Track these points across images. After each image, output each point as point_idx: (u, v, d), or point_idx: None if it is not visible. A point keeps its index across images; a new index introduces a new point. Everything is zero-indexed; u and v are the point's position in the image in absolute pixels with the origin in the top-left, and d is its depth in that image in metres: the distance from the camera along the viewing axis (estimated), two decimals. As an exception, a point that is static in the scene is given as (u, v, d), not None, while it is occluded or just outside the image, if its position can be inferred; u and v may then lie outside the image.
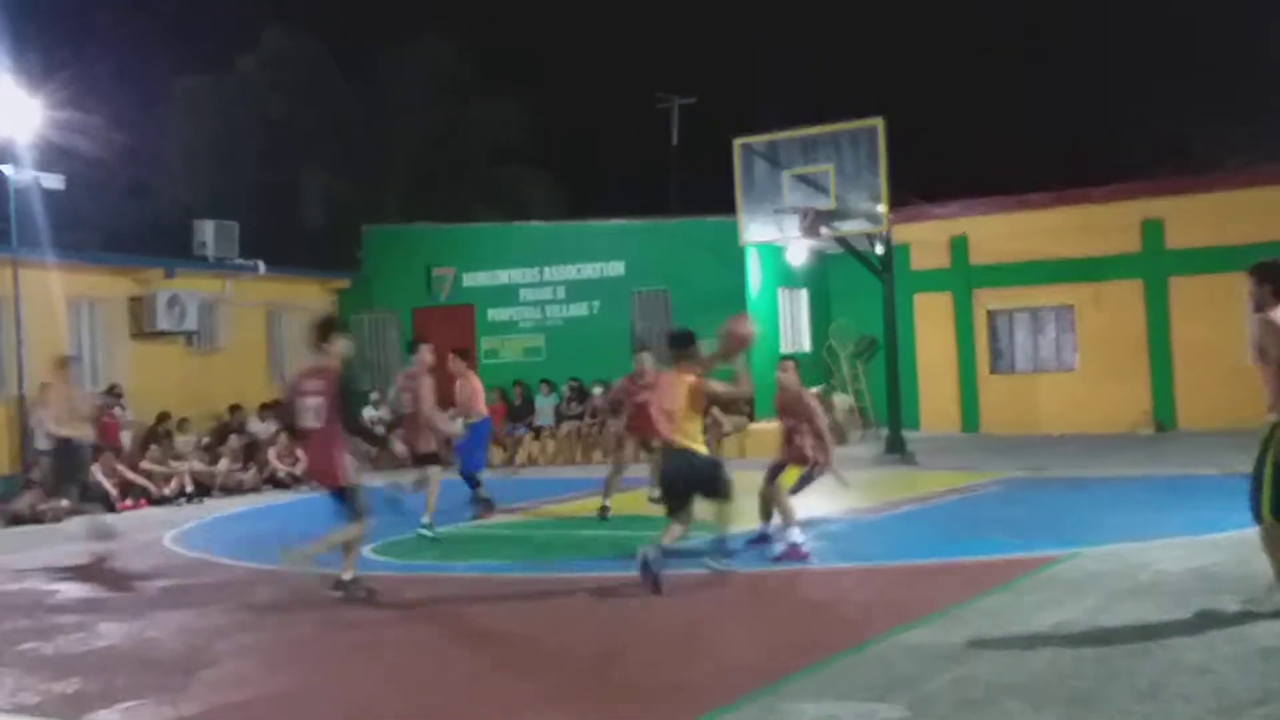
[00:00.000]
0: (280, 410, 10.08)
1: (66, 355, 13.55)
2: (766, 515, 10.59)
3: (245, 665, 7.57)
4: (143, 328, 18.99)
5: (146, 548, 12.86)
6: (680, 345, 9.34)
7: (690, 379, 9.09)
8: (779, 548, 10.12)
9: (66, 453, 12.37)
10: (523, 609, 8.92)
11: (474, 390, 13.11)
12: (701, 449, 9.18)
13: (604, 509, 12.71)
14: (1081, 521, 11.12)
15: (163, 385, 18.98)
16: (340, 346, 9.21)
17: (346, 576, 9.20)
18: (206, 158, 28.71)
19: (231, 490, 17.76)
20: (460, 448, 13.28)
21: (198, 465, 17.63)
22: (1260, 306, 7.29)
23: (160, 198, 28.05)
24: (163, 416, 18.29)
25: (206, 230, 20.67)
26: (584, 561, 10.55)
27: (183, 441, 18.20)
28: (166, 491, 17.01)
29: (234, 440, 18.70)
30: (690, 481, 9.06)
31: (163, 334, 19.14)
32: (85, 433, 12.50)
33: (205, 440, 18.59)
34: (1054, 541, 9.95)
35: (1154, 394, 19.67)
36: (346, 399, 9.14)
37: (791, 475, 10.61)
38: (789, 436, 10.54)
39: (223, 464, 17.96)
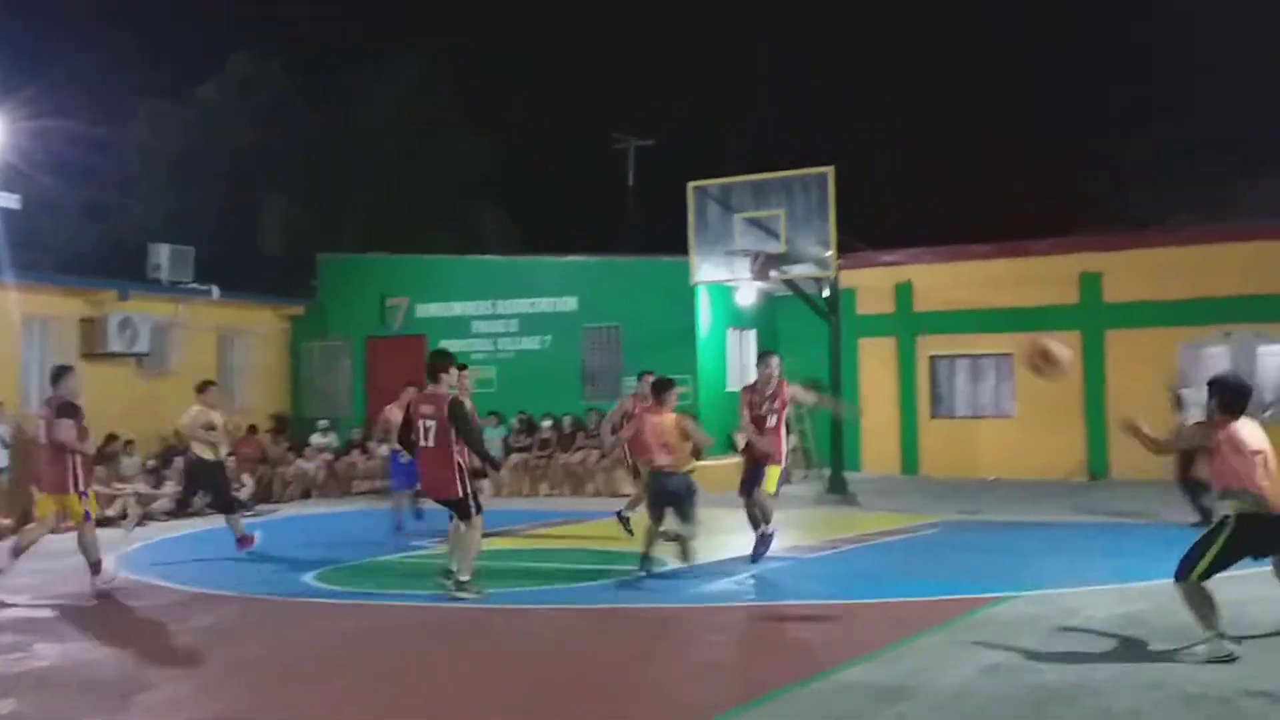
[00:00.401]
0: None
1: (206, 380, 14.47)
2: (763, 522, 11.57)
3: (184, 690, 7.62)
4: (94, 349, 18.88)
5: (88, 569, 12.81)
6: (662, 389, 11.37)
7: (673, 416, 11.22)
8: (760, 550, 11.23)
9: (204, 469, 13.50)
10: (463, 640, 9.02)
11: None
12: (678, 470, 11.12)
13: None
14: (1016, 565, 11.41)
15: (112, 406, 18.81)
16: (451, 377, 10.40)
17: (464, 577, 10.23)
18: (166, 181, 28.62)
19: (175, 514, 17.66)
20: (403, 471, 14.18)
21: (143, 488, 17.55)
22: (1209, 414, 7.98)
23: (117, 220, 27.90)
24: (110, 438, 18.18)
25: (162, 254, 20.60)
26: (528, 592, 10.68)
27: (128, 463, 18.10)
28: (110, 513, 16.91)
29: (180, 463, 18.60)
30: (671, 497, 11.02)
31: (114, 355, 19.05)
32: (221, 453, 13.72)
33: (151, 463, 18.50)
34: (989, 584, 10.20)
35: (1088, 443, 20.13)
36: (463, 421, 10.14)
37: (773, 479, 11.44)
38: (761, 429, 11.43)
39: (168, 486, 17.87)
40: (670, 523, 11.13)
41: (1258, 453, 7.70)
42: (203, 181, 28.60)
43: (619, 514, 13.25)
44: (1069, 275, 20.55)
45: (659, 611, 9.84)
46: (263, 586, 11.23)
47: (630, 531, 12.77)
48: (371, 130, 30.66)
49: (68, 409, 11.04)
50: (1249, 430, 7.78)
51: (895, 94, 38.87)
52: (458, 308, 22.39)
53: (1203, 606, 7.67)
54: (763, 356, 12.20)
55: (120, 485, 17.37)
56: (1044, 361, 9.09)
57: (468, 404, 12.63)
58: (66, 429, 10.90)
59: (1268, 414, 19.53)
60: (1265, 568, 8.22)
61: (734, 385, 21.99)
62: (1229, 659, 7.40)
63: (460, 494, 10.09)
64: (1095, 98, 37.93)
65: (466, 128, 31.43)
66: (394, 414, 14.17)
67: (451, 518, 10.50)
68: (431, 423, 10.08)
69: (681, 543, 11.20)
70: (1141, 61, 36.83)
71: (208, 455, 13.54)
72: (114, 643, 8.97)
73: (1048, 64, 39.28)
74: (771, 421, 11.61)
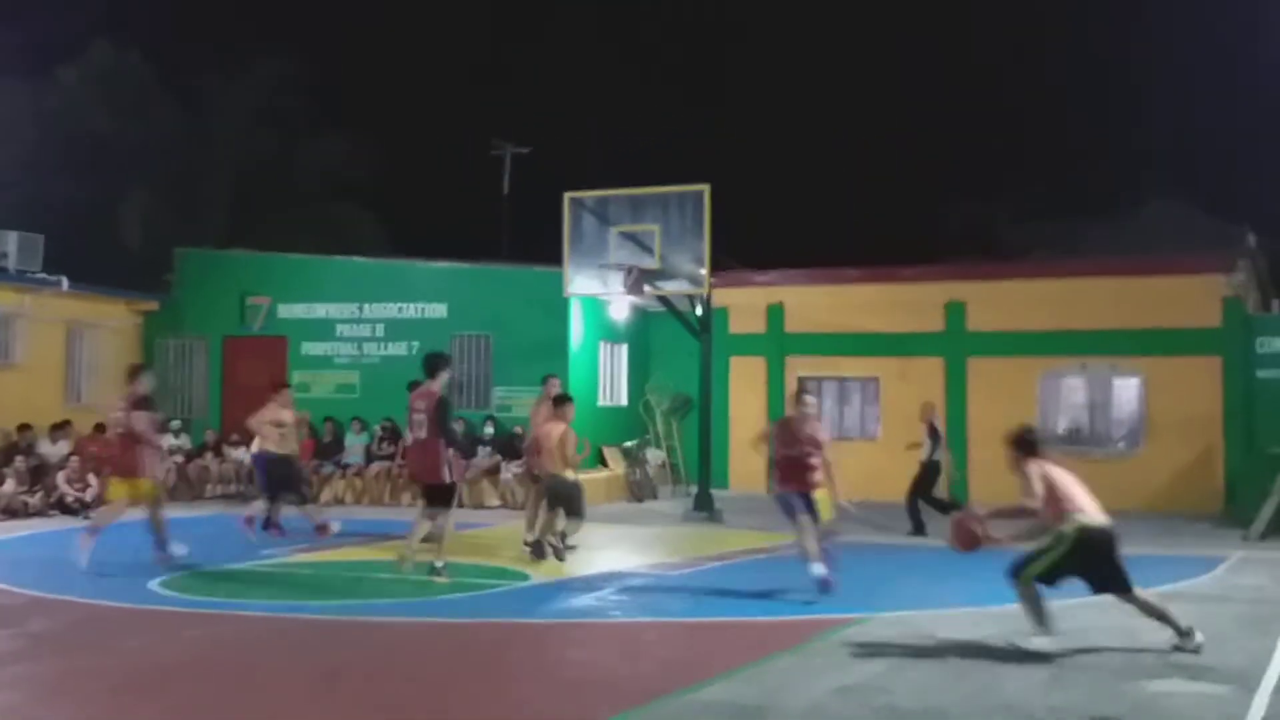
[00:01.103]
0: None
1: (281, 382, 15.92)
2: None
3: (16, 696, 7.28)
4: (-69, 337, 17.98)
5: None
6: (561, 403, 13.07)
7: (564, 427, 12.73)
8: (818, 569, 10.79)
9: (282, 465, 14.39)
10: (314, 652, 8.73)
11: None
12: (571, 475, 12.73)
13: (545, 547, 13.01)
14: (873, 588, 11.55)
15: (-52, 399, 17.97)
16: (444, 377, 11.68)
17: (439, 564, 11.42)
18: (18, 167, 27.39)
19: (15, 513, 16.87)
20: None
21: (-20, 483, 16.71)
22: (1012, 466, 8.90)
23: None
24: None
25: (9, 241, 19.69)
26: (383, 604, 10.43)
27: (-36, 459, 17.22)
28: (-58, 511, 16.07)
29: (20, 461, 17.78)
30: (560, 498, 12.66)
31: (-48, 345, 18.15)
32: (293, 448, 14.84)
33: (-11, 457, 17.63)
34: (846, 605, 10.28)
35: (949, 468, 20.52)
36: (446, 417, 11.55)
37: (825, 505, 11.19)
38: (802, 465, 11.14)
39: (8, 485, 17.06)
40: (561, 520, 12.77)
41: (1068, 477, 8.78)
42: (58, 169, 27.46)
43: (533, 543, 13.00)
44: (935, 303, 20.99)
45: (520, 626, 9.69)
46: (105, 592, 10.76)
47: (561, 558, 12.82)
48: (235, 127, 29.86)
49: (143, 402, 12.29)
50: (1052, 465, 8.83)
51: (773, 116, 39.46)
52: (322, 309, 21.84)
53: (1034, 604, 8.60)
54: (801, 394, 12.11)
55: (-46, 482, 16.50)
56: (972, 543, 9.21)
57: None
58: (143, 420, 12.17)
59: (1121, 444, 20.23)
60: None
61: (605, 399, 21.96)
62: (1048, 654, 8.24)
63: (446, 480, 11.48)
64: (967, 131, 39.01)
65: (336, 129, 30.87)
66: (263, 420, 14.60)
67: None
68: (422, 416, 11.45)
69: (563, 540, 12.83)
70: (1014, 98, 38.06)
71: (280, 450, 14.43)
72: (-64, 648, 8.45)
73: (924, 99, 40.34)
74: (814, 460, 11.23)
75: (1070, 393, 20.57)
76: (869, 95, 39.95)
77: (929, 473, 16.44)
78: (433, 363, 11.84)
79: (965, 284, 21.08)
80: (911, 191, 37.23)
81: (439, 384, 11.58)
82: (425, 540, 11.68)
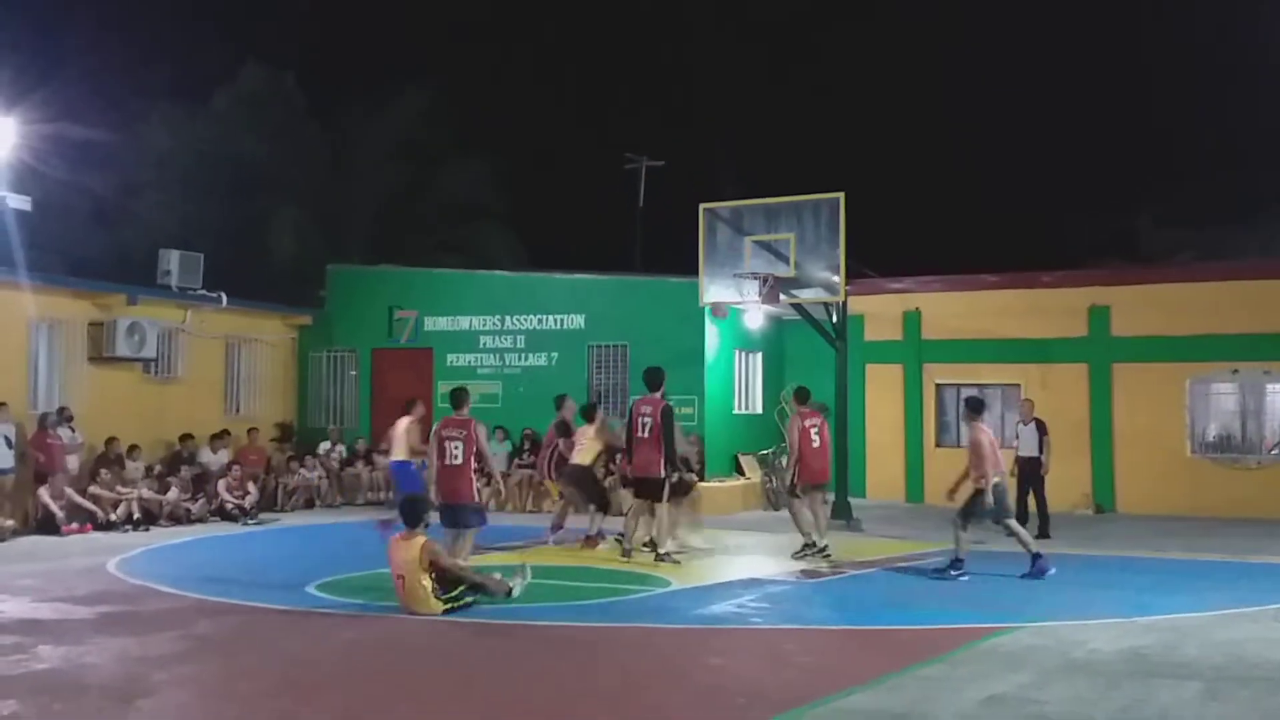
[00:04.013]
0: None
1: (413, 399, 16.20)
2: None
3: (184, 696, 7.61)
4: (101, 352, 18.90)
5: (90, 573, 12.82)
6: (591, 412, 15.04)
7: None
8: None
9: (404, 475, 15.25)
10: (466, 654, 8.99)
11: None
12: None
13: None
14: (1019, 596, 11.38)
15: (118, 411, 18.88)
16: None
17: (672, 547, 13.33)
18: (176, 187, 28.68)
19: (179, 519, 17.68)
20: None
21: (146, 492, 17.53)
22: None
23: (128, 225, 27.94)
24: (110, 441, 18.20)
25: (171, 259, 20.63)
26: (527, 609, 10.61)
27: (133, 468, 18.10)
28: (113, 517, 16.92)
29: (184, 470, 18.64)
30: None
31: (121, 360, 19.06)
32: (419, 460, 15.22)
33: (157, 468, 18.50)
34: (992, 614, 10.19)
35: (1094, 476, 20.10)
36: (670, 423, 13.32)
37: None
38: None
39: (172, 493, 17.88)
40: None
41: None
42: (212, 188, 28.64)
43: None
44: (1078, 308, 20.54)
45: (660, 632, 9.82)
46: (263, 595, 11.21)
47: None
48: (378, 151, 30.76)
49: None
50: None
51: (909, 123, 39.01)
52: (465, 322, 22.44)
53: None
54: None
55: (124, 490, 17.35)
56: None
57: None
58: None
59: (1274, 452, 19.53)
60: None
61: (740, 407, 22.01)
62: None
63: (661, 475, 13.05)
64: (1109, 133, 38.03)
65: (474, 149, 31.53)
66: (402, 430, 15.36)
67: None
68: (649, 419, 13.23)
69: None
70: (1158, 101, 36.99)
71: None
72: (114, 647, 8.93)
73: (1064, 100, 39.47)
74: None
75: (1221, 399, 19.92)
76: (1007, 100, 39.25)
77: (1037, 470, 16.41)
78: (655, 376, 13.77)
79: (1109, 289, 20.57)
80: (1048, 197, 36.47)
81: (662, 394, 13.15)
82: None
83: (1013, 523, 12.92)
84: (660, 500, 13.31)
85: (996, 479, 12.57)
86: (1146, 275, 21.31)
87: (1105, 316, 20.43)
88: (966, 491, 12.77)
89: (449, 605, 10.15)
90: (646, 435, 13.32)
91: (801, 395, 14.98)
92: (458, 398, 12.25)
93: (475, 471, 12.06)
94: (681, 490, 13.97)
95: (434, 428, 12.65)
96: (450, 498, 11.88)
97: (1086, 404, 20.32)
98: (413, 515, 10.44)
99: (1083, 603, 10.93)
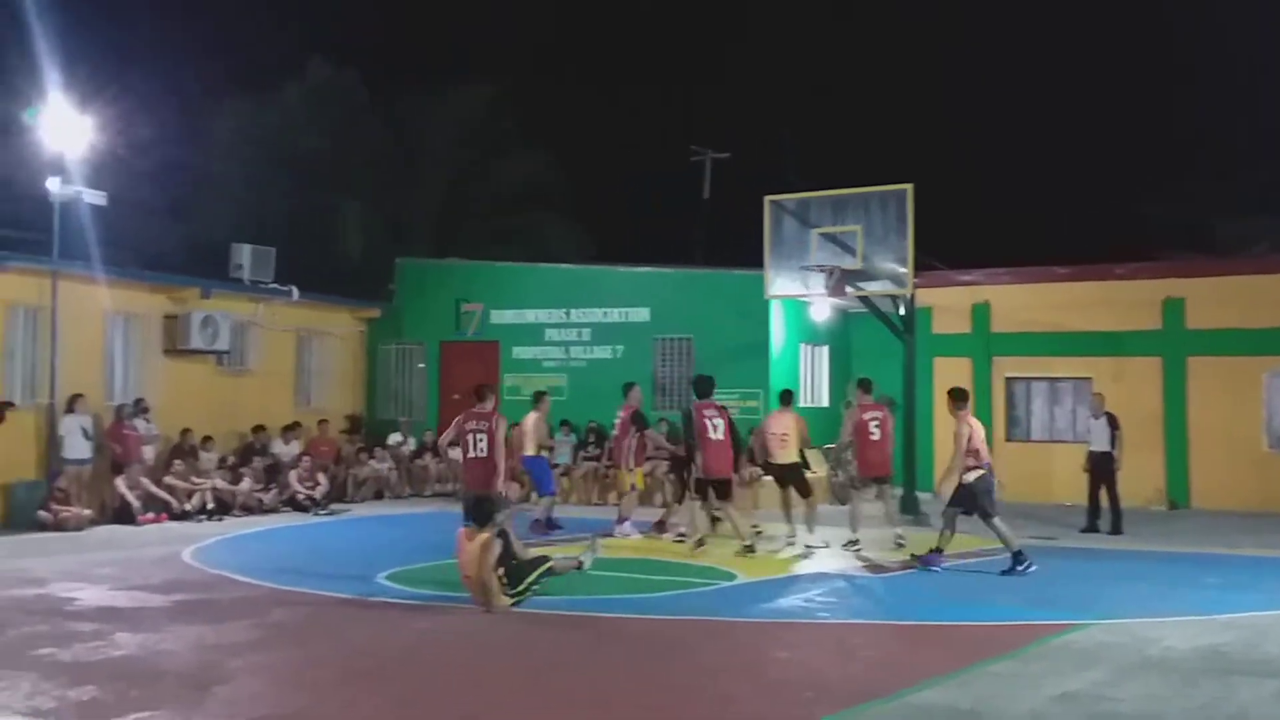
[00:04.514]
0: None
1: (542, 390, 17.29)
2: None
3: (258, 683, 7.73)
4: (176, 345, 19.25)
5: (165, 561, 13.08)
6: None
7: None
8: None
9: (538, 469, 16.30)
10: (525, 644, 9.05)
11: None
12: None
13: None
14: (1092, 593, 11.23)
15: (192, 402, 19.23)
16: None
17: (748, 542, 13.73)
18: (247, 182, 29.10)
19: (251, 509, 17.96)
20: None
21: (220, 483, 17.84)
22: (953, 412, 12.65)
23: (199, 219, 28.38)
24: (185, 432, 18.53)
25: (244, 254, 20.95)
26: (595, 600, 10.66)
27: (206, 459, 18.42)
28: (188, 507, 17.23)
29: (257, 461, 18.93)
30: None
31: (195, 352, 19.40)
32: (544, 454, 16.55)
33: (231, 459, 18.81)
34: (1064, 611, 10.06)
35: (1168, 471, 19.74)
36: (735, 426, 14.31)
37: None
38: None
39: (245, 483, 18.16)
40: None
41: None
42: (278, 183, 29.03)
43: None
44: (1151, 300, 20.16)
45: (728, 625, 9.81)
46: (334, 585, 11.36)
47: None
48: (441, 143, 30.95)
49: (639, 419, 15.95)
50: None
51: (978, 113, 38.54)
52: (531, 315, 22.55)
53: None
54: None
55: (198, 480, 17.67)
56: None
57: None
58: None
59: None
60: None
61: (806, 400, 21.88)
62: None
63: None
64: (1180, 124, 37.30)
65: (537, 141, 31.64)
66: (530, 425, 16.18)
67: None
68: (720, 421, 13.82)
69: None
70: (1233, 86, 36.21)
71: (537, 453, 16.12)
72: (189, 635, 9.10)
73: (1134, 89, 38.77)
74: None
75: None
76: (1074, 88, 38.64)
77: (1109, 465, 16.23)
78: (706, 384, 14.52)
79: (1184, 280, 20.15)
80: (1118, 186, 35.82)
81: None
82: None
83: (996, 521, 12.55)
84: (729, 499, 14.09)
85: (980, 473, 12.41)
86: (1222, 267, 20.85)
87: (1180, 309, 20.04)
88: (954, 485, 12.61)
89: (516, 598, 10.22)
90: (719, 437, 13.86)
91: (866, 385, 15.09)
92: (481, 392, 12.15)
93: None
94: (803, 490, 14.92)
95: (456, 420, 12.39)
96: (477, 486, 11.81)
97: (1160, 398, 19.96)
98: (480, 514, 10.52)
99: (1157, 599, 10.76)
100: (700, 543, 13.90)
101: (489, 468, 11.55)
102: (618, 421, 16.06)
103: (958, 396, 13.23)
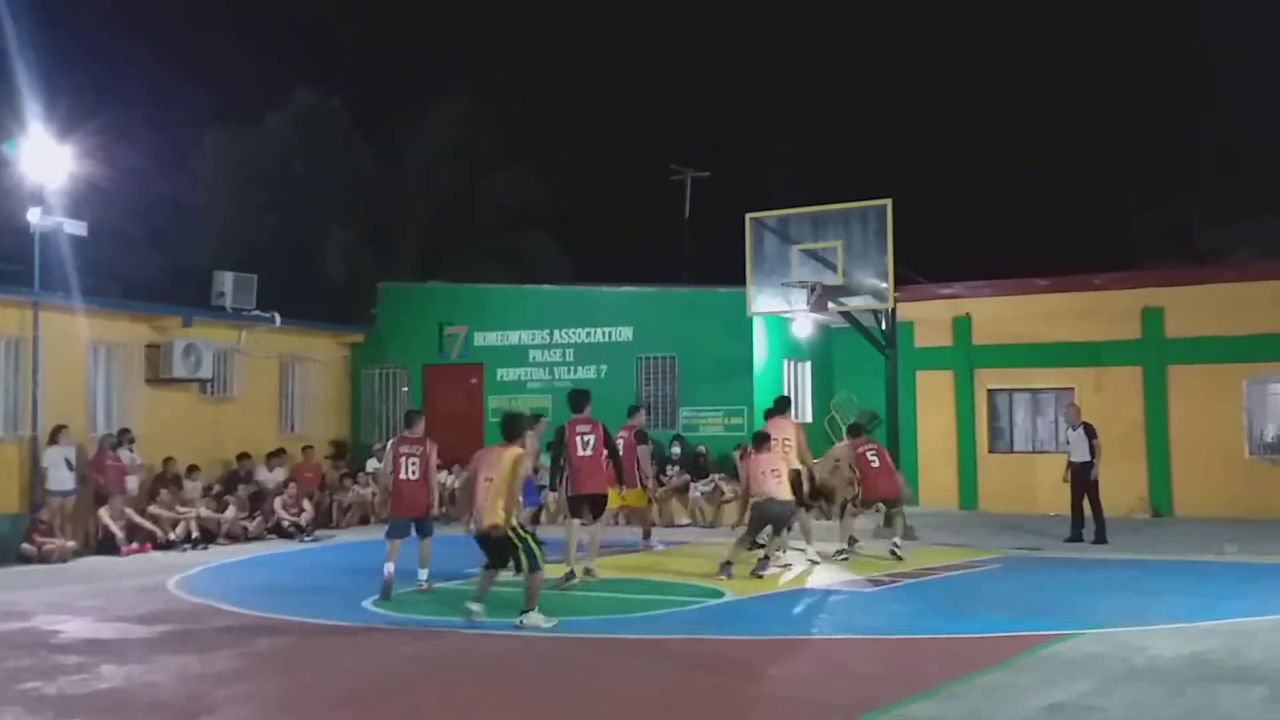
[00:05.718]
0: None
1: (539, 413, 17.23)
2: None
3: (245, 712, 7.69)
4: (158, 374, 19.18)
5: (150, 592, 13.01)
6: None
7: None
8: None
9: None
10: (514, 667, 9.04)
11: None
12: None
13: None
14: (1078, 602, 11.28)
15: (175, 431, 19.15)
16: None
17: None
18: (228, 210, 29.07)
19: (236, 537, 17.89)
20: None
21: (205, 511, 17.77)
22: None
23: (181, 247, 28.34)
24: (168, 461, 18.46)
25: (225, 281, 20.90)
26: (583, 621, 10.64)
27: (191, 487, 18.34)
28: (173, 536, 17.15)
29: (241, 488, 18.86)
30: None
31: (178, 381, 19.33)
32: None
33: (215, 488, 18.74)
34: (1051, 621, 10.09)
35: (1150, 479, 19.85)
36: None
37: None
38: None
39: (229, 511, 18.09)
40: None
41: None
42: (263, 210, 29.00)
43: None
44: (1131, 310, 20.30)
45: (717, 643, 9.82)
46: (321, 612, 11.33)
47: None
48: (424, 165, 31.02)
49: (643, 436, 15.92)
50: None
51: (954, 127, 38.77)
52: (515, 336, 22.57)
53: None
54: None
55: (183, 509, 17.59)
56: None
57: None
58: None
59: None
60: None
61: (790, 417, 21.90)
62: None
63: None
64: (1159, 129, 37.58)
65: (518, 161, 31.72)
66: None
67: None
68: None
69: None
70: (1210, 94, 36.51)
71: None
72: (175, 665, 9.06)
73: (1111, 98, 39.06)
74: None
75: (1279, 399, 19.61)
76: (1051, 100, 38.89)
77: (1089, 475, 16.35)
78: (579, 398, 14.02)
79: (1163, 290, 20.29)
80: (1097, 197, 36.06)
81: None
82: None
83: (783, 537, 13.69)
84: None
85: (760, 498, 13.16)
86: (1201, 275, 21.02)
87: (1159, 318, 20.18)
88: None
89: (516, 531, 10.36)
90: (589, 453, 13.51)
91: (853, 431, 15.91)
92: (410, 419, 12.96)
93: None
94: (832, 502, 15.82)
95: (390, 444, 13.16)
96: (410, 511, 12.60)
97: (1141, 407, 20.08)
98: (514, 429, 10.86)
99: (1143, 608, 10.81)
100: (571, 575, 12.80)
101: (420, 490, 12.49)
102: (621, 441, 15.73)
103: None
